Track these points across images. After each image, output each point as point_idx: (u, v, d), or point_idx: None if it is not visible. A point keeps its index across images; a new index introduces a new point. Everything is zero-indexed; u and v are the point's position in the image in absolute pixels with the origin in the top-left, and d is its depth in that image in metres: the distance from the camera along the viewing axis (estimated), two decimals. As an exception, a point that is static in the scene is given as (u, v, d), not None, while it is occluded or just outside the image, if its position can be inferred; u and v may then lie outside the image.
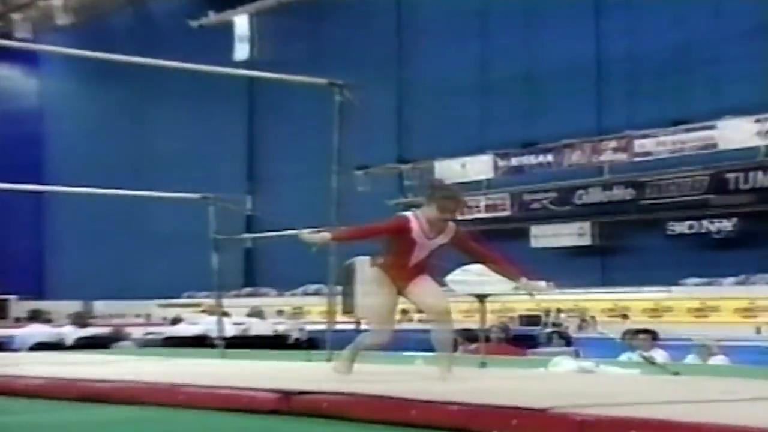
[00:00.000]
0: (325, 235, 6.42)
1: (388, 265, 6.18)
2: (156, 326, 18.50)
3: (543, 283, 7.43)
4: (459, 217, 6.29)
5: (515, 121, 24.26)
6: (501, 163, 24.38)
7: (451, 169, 23.91)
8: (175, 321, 17.53)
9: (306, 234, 6.32)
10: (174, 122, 31.36)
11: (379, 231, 6.32)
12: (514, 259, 6.63)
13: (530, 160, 23.91)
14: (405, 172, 26.06)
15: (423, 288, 6.18)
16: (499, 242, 6.44)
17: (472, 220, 22.01)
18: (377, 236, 6.33)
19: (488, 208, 24.17)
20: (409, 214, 6.20)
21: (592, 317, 20.50)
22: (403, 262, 6.13)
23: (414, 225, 6.06)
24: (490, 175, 24.43)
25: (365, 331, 6.60)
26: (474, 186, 23.10)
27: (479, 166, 24.45)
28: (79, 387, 6.25)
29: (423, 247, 6.10)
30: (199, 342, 13.45)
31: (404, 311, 10.64)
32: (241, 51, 30.59)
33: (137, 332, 16.36)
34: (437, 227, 6.07)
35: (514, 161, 24.22)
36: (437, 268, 6.39)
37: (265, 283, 29.22)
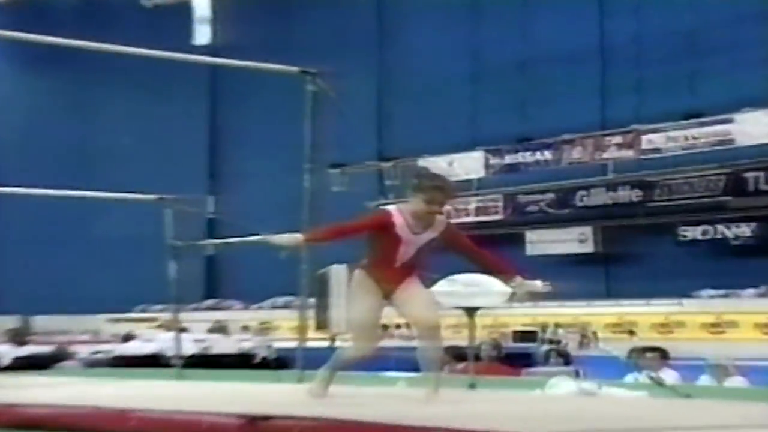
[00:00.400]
0: (297, 237, 6.35)
1: (372, 266, 6.19)
2: (105, 344, 18.43)
3: (539, 282, 7.49)
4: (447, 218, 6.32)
5: (509, 114, 24.32)
6: (493, 160, 24.42)
7: (437, 168, 23.89)
8: (127, 338, 17.46)
9: (275, 237, 6.30)
10: (126, 114, 31.21)
11: (358, 228, 6.31)
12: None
13: (526, 157, 23.95)
14: (386, 170, 26.04)
15: (411, 296, 6.20)
16: (490, 249, 6.45)
17: (460, 224, 21.99)
18: (356, 234, 6.30)
19: (479, 210, 24.20)
20: (391, 207, 6.24)
21: (595, 333, 20.54)
22: (388, 262, 6.15)
23: (397, 219, 6.08)
24: (481, 173, 24.47)
25: (341, 347, 6.60)
26: (463, 186, 23.09)
27: (469, 164, 24.47)
28: (16, 413, 6.21)
29: (409, 244, 6.12)
30: (154, 361, 13.44)
31: (384, 326, 10.64)
32: (202, 34, 30.56)
33: (83, 351, 16.32)
34: (424, 221, 6.10)
35: (508, 159, 24.26)
36: (427, 269, 6.40)
37: (229, 294, 29.16)
